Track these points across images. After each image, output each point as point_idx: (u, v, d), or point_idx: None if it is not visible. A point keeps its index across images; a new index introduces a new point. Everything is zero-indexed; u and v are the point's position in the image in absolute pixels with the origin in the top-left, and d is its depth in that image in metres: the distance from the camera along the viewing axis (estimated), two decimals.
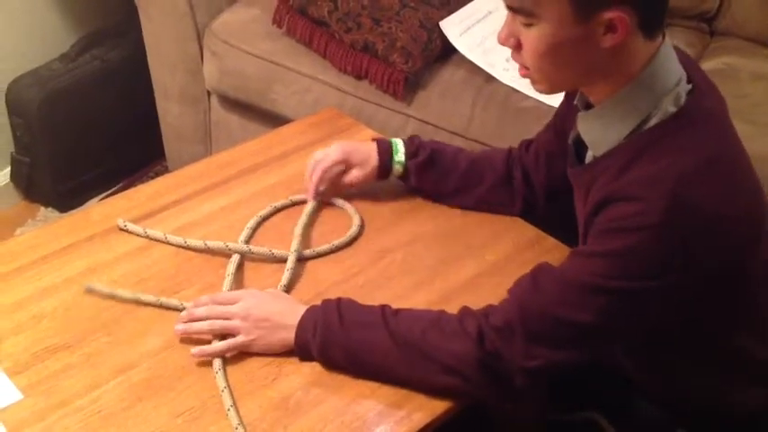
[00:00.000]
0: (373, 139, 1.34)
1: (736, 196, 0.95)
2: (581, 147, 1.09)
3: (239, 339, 1.06)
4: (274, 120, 1.80)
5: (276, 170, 1.42)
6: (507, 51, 1.00)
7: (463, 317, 1.03)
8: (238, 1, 1.94)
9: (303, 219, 1.29)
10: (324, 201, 1.34)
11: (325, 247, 1.25)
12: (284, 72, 1.79)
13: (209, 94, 1.98)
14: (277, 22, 1.79)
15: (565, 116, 1.19)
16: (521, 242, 1.28)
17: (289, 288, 1.18)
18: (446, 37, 1.73)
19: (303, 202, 1.33)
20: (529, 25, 0.94)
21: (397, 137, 1.36)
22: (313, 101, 1.76)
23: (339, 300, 1.08)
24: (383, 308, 1.07)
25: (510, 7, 0.95)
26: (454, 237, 1.29)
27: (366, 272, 1.22)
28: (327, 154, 1.31)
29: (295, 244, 1.23)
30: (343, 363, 1.05)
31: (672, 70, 0.98)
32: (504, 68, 1.69)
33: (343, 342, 1.04)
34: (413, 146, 1.31)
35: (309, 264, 1.23)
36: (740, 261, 0.98)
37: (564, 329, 0.98)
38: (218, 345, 1.06)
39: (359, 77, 1.72)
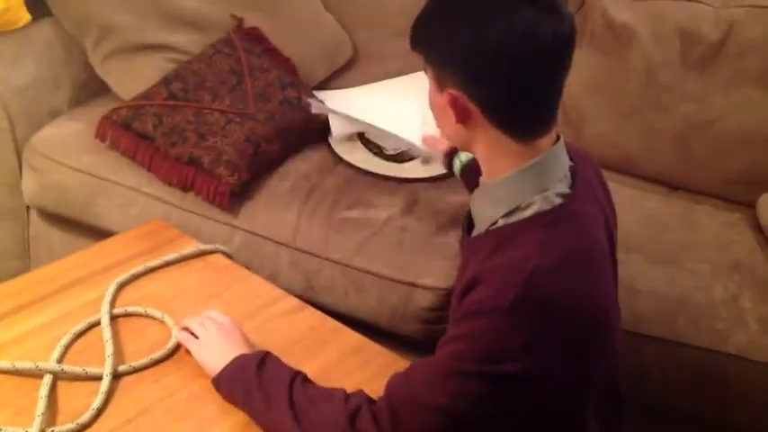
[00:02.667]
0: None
1: (589, 297, 1.00)
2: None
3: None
4: (98, 234, 1.76)
5: (98, 284, 1.39)
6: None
7: (352, 394, 1.09)
8: (61, 115, 1.92)
9: (115, 334, 1.26)
10: (140, 314, 1.32)
11: (144, 360, 1.23)
12: (108, 185, 1.77)
13: (28, 208, 1.92)
14: (100, 136, 1.78)
15: None
16: (345, 349, 1.31)
17: (101, 411, 1.14)
18: (271, 150, 1.77)
19: (121, 316, 1.30)
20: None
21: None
22: (138, 213, 1.75)
23: (265, 357, 1.16)
24: (295, 376, 1.13)
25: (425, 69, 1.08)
26: (283, 346, 1.29)
27: (189, 386, 1.20)
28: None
29: (110, 362, 1.20)
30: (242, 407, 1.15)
31: (554, 173, 1.05)
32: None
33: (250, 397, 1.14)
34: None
35: (127, 380, 1.20)
36: (582, 368, 1.02)
37: (427, 415, 1.00)
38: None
39: (185, 189, 1.72)
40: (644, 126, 1.90)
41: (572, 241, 1.02)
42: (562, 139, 1.08)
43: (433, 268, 1.58)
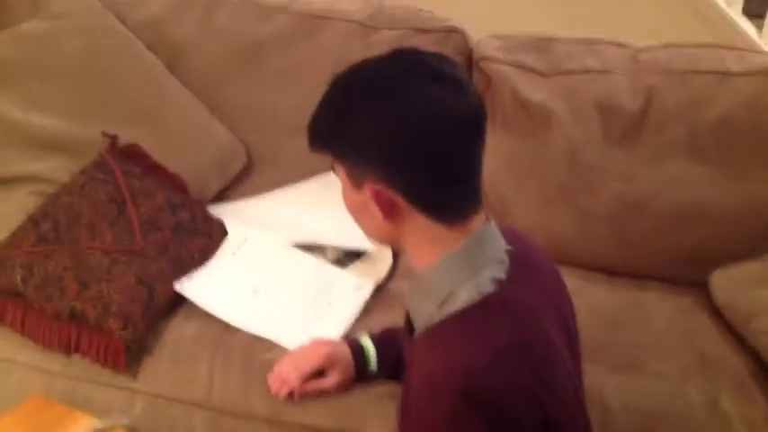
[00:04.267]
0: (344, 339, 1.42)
1: (533, 393, 0.94)
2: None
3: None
4: None
5: None
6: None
7: None
8: None
9: None
10: None
11: None
12: None
13: None
14: None
15: None
16: None
17: None
18: (169, 290, 1.52)
19: None
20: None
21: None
22: (13, 388, 1.46)
23: None
24: None
25: (332, 167, 1.04)
26: None
27: None
28: (309, 356, 1.35)
29: None
30: None
31: (485, 256, 1.01)
32: (249, 312, 1.53)
33: None
34: (382, 347, 1.36)
35: None
36: None
37: None
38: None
39: (68, 352, 1.45)
40: (574, 210, 1.77)
41: (505, 334, 0.96)
42: (492, 220, 1.05)
43: (383, 409, 1.36)
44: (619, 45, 1.82)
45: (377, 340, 1.38)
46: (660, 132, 1.73)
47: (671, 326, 1.63)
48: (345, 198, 1.05)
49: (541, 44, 1.83)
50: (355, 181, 1.01)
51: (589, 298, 1.67)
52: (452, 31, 1.86)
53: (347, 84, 1.01)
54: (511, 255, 1.04)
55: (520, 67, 1.80)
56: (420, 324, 1.05)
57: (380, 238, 1.08)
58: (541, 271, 1.10)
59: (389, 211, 1.00)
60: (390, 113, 0.96)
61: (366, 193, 0.99)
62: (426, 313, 1.03)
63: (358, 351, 1.37)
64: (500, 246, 1.04)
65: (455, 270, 1.01)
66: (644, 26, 1.96)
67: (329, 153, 1.02)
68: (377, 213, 1.00)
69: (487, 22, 1.93)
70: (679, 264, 1.73)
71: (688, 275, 1.73)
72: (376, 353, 1.37)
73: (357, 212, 1.05)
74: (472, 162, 1.00)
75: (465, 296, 0.99)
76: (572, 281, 1.70)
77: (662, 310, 1.68)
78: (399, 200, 0.99)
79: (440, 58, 1.01)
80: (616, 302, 1.69)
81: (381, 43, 1.85)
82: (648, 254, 1.75)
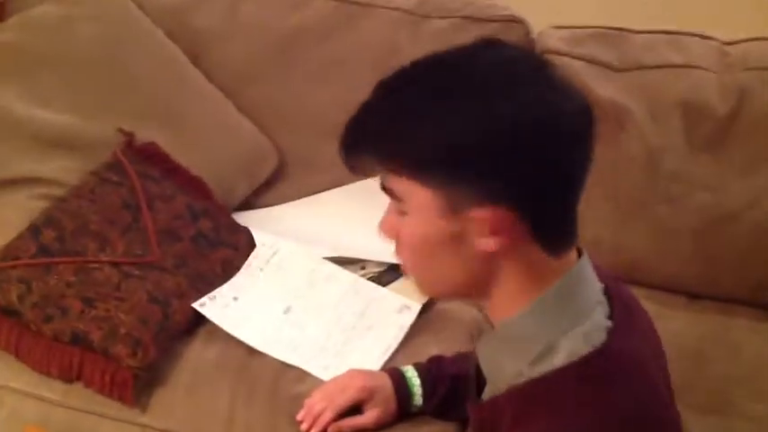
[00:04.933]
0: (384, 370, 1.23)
1: None
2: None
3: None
4: None
5: None
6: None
7: None
8: None
9: None
10: None
11: None
12: None
13: None
14: None
15: None
16: None
17: None
18: (186, 309, 1.34)
19: None
20: (403, 213, 0.82)
21: None
22: (6, 418, 1.27)
23: None
24: None
25: (383, 187, 0.83)
26: None
27: None
28: (344, 388, 1.18)
29: None
30: None
31: (587, 297, 0.83)
32: (278, 335, 1.34)
33: None
34: (430, 379, 1.18)
35: None
36: None
37: None
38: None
39: (69, 380, 1.26)
40: (651, 225, 1.56)
41: (631, 402, 0.79)
42: (585, 251, 0.87)
43: None
44: (704, 37, 1.61)
45: (423, 371, 1.20)
46: (753, 137, 1.52)
47: (764, 359, 1.44)
48: (412, 233, 0.82)
49: (613, 35, 1.63)
50: (452, 204, 0.78)
51: (669, 325, 1.45)
52: (512, 21, 1.67)
53: (436, 78, 0.79)
54: (607, 294, 0.86)
55: (590, 60, 1.60)
56: (499, 382, 0.87)
57: (456, 286, 0.85)
58: (637, 312, 0.93)
59: (507, 242, 0.79)
60: (510, 116, 0.76)
61: (470, 219, 0.78)
62: (512, 372, 0.84)
63: (400, 383, 1.19)
64: (597, 283, 0.86)
65: (555, 316, 0.82)
66: (730, 18, 1.75)
67: (401, 168, 0.80)
68: (474, 248, 0.79)
69: (549, 12, 1.73)
70: None
71: None
72: (421, 385, 1.19)
73: (433, 249, 0.82)
74: (584, 173, 0.82)
75: (569, 348, 0.80)
76: (648, 305, 1.50)
77: (753, 340, 1.48)
78: (523, 226, 0.78)
79: (533, 55, 0.83)
80: (699, 331, 1.50)
81: (431, 34, 1.67)
82: (737, 275, 1.55)
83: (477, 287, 0.84)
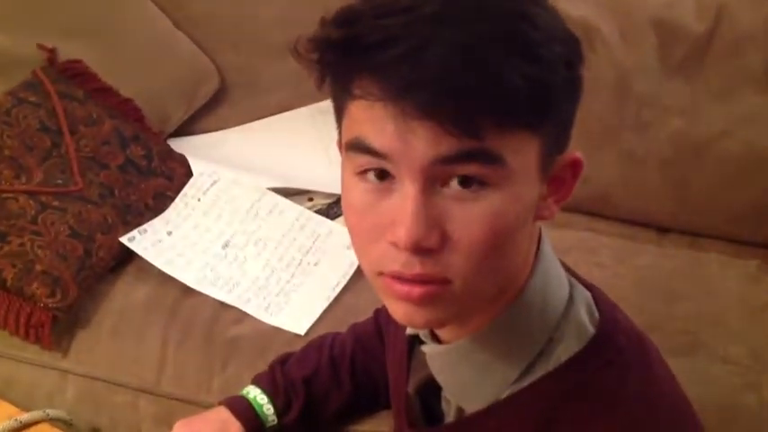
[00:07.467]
0: (220, 403, 0.97)
1: None
2: (431, 394, 0.75)
3: None
4: None
5: None
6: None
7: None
8: None
9: None
10: None
11: None
12: None
13: None
14: None
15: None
16: None
17: None
18: (113, 245, 1.25)
19: None
20: (476, 192, 0.59)
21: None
22: None
23: None
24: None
25: (467, 155, 0.57)
26: None
27: None
28: None
29: None
30: None
31: (558, 268, 0.70)
32: (215, 273, 1.25)
33: None
34: (278, 393, 0.97)
35: None
36: None
37: None
38: None
39: None
40: (621, 152, 1.47)
41: (669, 383, 0.72)
42: None
43: None
44: None
45: (268, 384, 1.00)
46: (731, 60, 1.43)
47: (737, 296, 1.37)
48: (497, 212, 0.59)
49: None
50: (549, 152, 0.62)
51: (637, 260, 1.42)
52: None
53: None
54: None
55: None
56: (475, 405, 0.71)
57: (507, 279, 0.66)
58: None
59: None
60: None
61: (568, 161, 0.65)
62: (498, 387, 0.69)
63: (246, 412, 0.97)
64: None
65: (549, 291, 0.68)
66: None
67: (527, 112, 0.59)
68: (535, 217, 0.65)
69: None
70: (747, 221, 1.46)
71: (753, 234, 1.47)
72: (270, 402, 0.98)
73: (513, 230, 0.62)
74: None
75: (576, 331, 0.67)
76: (617, 240, 1.46)
77: (726, 277, 1.41)
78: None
79: None
80: (669, 266, 1.42)
81: None
82: (707, 208, 1.48)
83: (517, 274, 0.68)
